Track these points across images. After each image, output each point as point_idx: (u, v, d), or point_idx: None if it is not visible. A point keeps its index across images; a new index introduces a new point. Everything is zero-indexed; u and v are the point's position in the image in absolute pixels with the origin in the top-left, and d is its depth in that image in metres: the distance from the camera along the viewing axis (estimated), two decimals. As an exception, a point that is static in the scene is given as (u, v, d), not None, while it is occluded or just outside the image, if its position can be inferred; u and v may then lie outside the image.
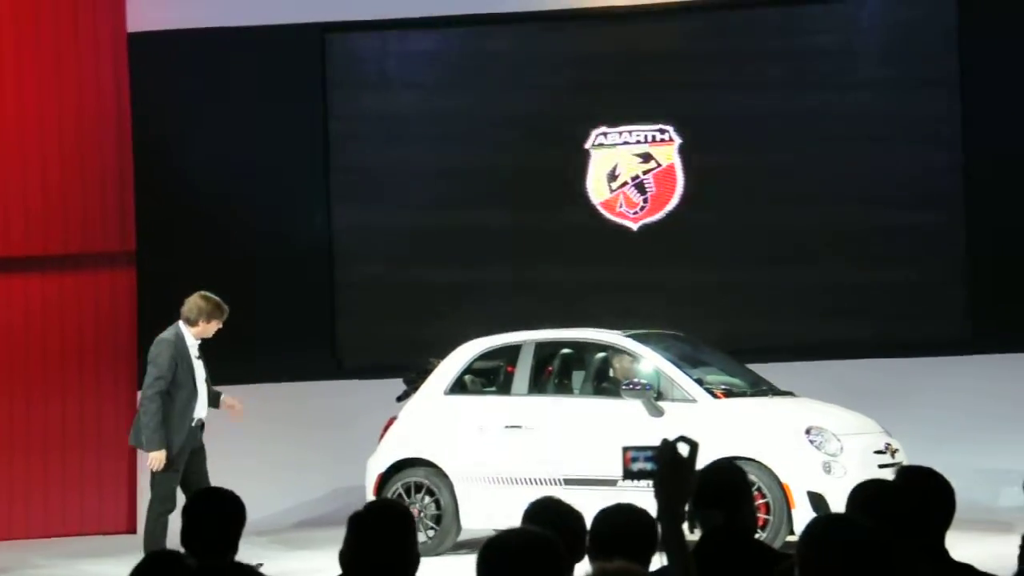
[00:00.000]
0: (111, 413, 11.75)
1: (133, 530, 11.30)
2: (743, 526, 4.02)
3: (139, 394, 8.50)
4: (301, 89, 12.12)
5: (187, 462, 8.27)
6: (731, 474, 4.11)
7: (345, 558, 3.19)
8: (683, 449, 2.98)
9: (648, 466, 2.99)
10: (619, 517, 3.51)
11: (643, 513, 3.53)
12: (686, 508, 3.00)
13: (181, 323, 8.49)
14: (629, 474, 3.07)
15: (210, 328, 8.50)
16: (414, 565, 3.24)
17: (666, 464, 2.92)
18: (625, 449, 3.08)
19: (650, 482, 2.97)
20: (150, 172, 11.94)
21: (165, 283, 11.84)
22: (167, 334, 8.45)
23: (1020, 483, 3.58)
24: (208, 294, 8.58)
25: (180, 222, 11.96)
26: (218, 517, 3.79)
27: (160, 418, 8.16)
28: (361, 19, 12.11)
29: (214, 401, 8.62)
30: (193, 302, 8.51)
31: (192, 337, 8.45)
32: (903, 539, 3.67)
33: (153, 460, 8.16)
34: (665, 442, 2.96)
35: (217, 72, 12.09)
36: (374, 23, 12.17)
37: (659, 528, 3.16)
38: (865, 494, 3.75)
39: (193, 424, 8.33)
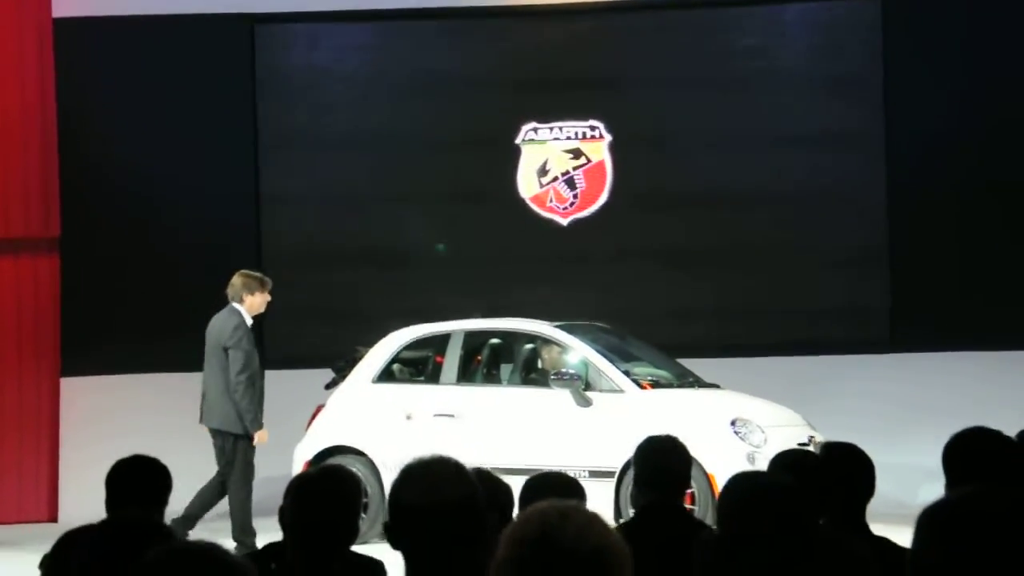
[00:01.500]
0: (32, 401, 11.55)
1: (54, 519, 11.15)
2: (678, 500, 4.19)
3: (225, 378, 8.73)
4: (229, 79, 12.03)
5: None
6: (682, 458, 4.23)
7: (287, 518, 3.17)
8: None
9: None
10: (547, 483, 3.54)
11: (572, 480, 3.57)
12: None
13: (235, 306, 8.67)
14: None
15: (256, 301, 8.73)
16: (356, 531, 3.24)
17: None
18: None
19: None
20: (75, 158, 11.78)
21: (89, 270, 11.75)
22: (236, 319, 8.66)
23: (940, 481, 3.66)
24: (245, 271, 8.86)
25: (105, 209, 11.81)
26: (142, 481, 3.74)
27: (256, 399, 8.58)
28: (291, 11, 12.06)
29: None
30: (235, 282, 8.75)
31: (249, 317, 8.68)
32: (825, 509, 3.76)
33: (261, 438, 8.60)
34: None
35: (144, 60, 11.96)
36: (304, 15, 12.12)
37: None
38: (786, 460, 3.83)
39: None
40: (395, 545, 2.54)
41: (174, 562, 1.91)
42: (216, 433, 8.72)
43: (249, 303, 8.73)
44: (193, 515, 8.63)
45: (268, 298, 8.86)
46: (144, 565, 1.92)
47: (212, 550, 1.93)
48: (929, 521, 1.89)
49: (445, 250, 12.11)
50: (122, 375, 11.54)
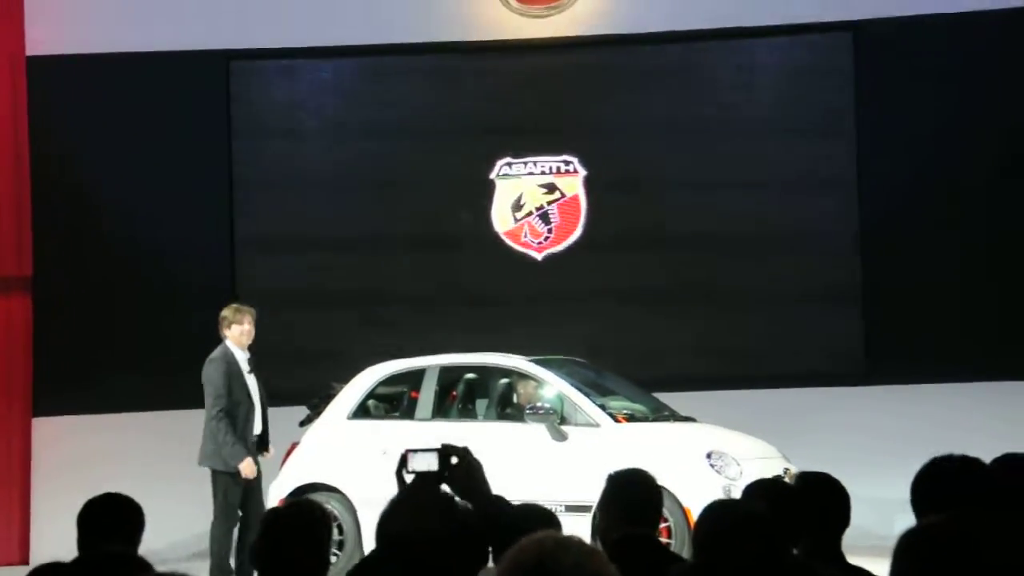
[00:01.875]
0: (4, 442, 11.46)
1: (26, 561, 11.03)
2: (653, 533, 4.19)
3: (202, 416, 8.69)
4: (205, 116, 12.03)
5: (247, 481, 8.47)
6: (653, 490, 4.24)
7: (258, 553, 3.16)
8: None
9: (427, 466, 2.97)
10: (522, 515, 3.53)
11: (547, 512, 3.57)
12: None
13: (225, 340, 8.68)
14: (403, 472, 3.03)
15: (234, 333, 8.68)
16: (326, 566, 3.23)
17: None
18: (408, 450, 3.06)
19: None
20: (48, 197, 11.75)
21: (62, 309, 11.68)
22: (215, 353, 8.66)
23: (910, 510, 3.66)
24: (231, 304, 8.87)
25: (78, 248, 11.78)
26: (115, 521, 3.69)
27: (233, 432, 8.40)
28: (266, 47, 12.08)
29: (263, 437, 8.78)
30: (220, 316, 8.74)
31: (239, 351, 8.64)
32: (800, 539, 3.76)
33: (245, 469, 8.40)
34: (445, 447, 2.98)
35: (119, 98, 11.96)
36: (279, 51, 12.15)
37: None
38: (761, 489, 3.83)
39: (253, 440, 8.55)
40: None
41: None
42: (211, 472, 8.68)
43: (230, 336, 8.74)
44: (225, 562, 8.53)
45: (246, 327, 8.74)
46: None
47: None
48: (907, 546, 1.90)
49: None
50: (96, 415, 11.46)
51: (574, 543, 1.85)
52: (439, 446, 3.01)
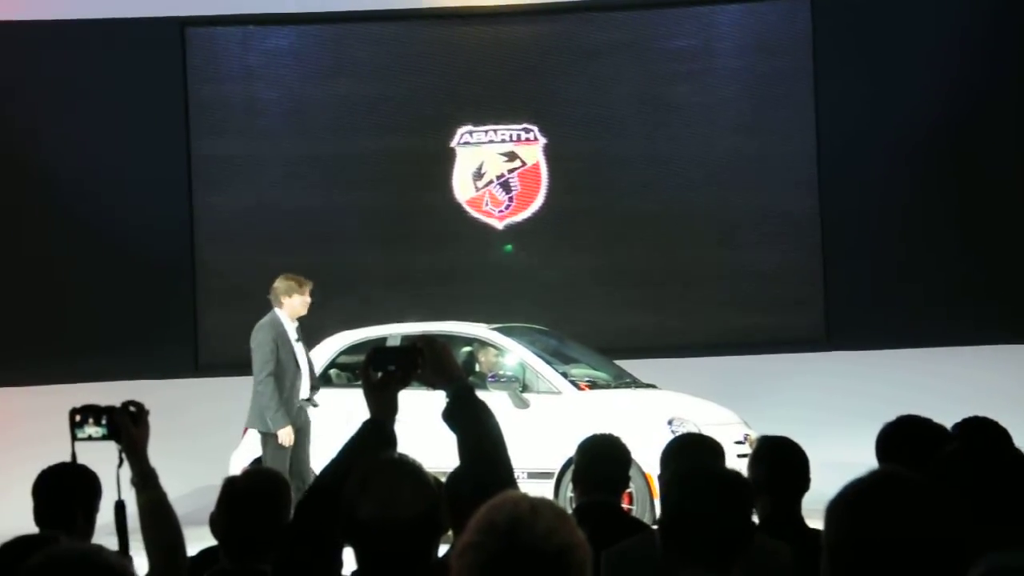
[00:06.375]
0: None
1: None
2: (615, 500, 4.22)
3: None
4: (161, 82, 11.92)
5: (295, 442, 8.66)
6: (620, 457, 4.27)
7: (215, 523, 3.16)
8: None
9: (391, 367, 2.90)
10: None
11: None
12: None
13: (275, 308, 8.78)
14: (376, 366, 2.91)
15: (294, 303, 8.76)
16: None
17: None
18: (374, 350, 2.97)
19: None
20: (4, 164, 11.61)
21: (13, 276, 11.57)
22: (264, 320, 8.78)
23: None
24: (287, 274, 8.89)
25: (36, 216, 11.66)
26: (72, 492, 3.58)
27: (278, 397, 8.56)
28: (222, 14, 11.97)
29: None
30: (273, 285, 8.84)
31: (288, 320, 8.72)
32: (759, 501, 3.78)
33: (282, 436, 8.55)
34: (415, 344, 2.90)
35: (75, 64, 11.82)
36: (235, 18, 12.05)
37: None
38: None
39: (298, 404, 8.68)
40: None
41: (54, 567, 1.89)
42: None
43: (287, 305, 8.79)
44: None
45: (307, 298, 8.82)
46: (25, 572, 1.90)
47: (94, 554, 1.91)
48: (838, 506, 1.92)
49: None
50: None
51: (547, 507, 1.85)
52: (404, 344, 2.96)
